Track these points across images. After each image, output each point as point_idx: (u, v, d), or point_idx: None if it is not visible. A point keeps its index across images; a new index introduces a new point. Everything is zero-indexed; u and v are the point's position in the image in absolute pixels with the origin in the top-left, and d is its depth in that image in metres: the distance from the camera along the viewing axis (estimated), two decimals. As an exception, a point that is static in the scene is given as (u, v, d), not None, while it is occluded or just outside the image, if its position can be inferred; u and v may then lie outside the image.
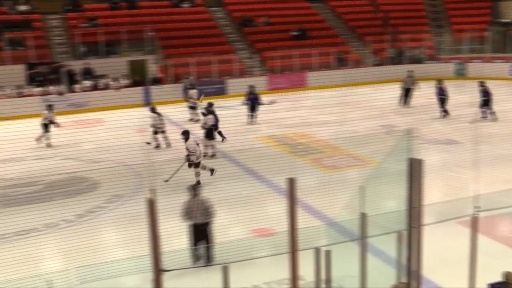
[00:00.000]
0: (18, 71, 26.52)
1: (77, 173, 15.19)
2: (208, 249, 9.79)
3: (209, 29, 32.95)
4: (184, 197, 10.11)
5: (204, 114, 18.05)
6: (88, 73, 27.75)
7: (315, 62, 31.09)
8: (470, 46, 32.50)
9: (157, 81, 28.19)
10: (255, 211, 11.27)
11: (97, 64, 28.01)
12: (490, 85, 21.34)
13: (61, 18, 31.84)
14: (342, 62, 31.97)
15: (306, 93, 28.20)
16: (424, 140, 17.00)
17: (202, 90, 28.49)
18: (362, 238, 7.11)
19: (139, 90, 27.51)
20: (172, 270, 6.56)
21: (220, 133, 18.53)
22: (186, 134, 14.43)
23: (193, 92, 23.51)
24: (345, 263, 7.66)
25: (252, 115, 21.51)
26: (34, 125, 19.68)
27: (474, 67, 30.93)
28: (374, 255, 7.77)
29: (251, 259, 8.97)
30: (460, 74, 31.46)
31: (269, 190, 13.13)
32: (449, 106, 21.47)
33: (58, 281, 7.47)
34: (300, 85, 30.32)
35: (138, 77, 28.34)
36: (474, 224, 7.35)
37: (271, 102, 21.49)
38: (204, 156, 16.70)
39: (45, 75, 27.38)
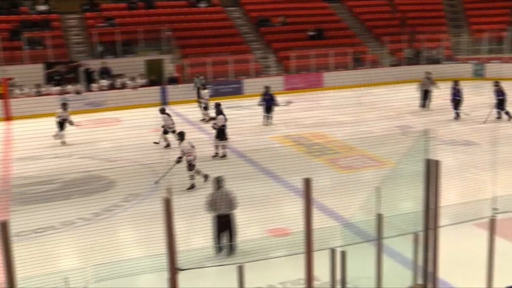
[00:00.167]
0: (36, 70, 26.76)
1: (94, 172, 15.29)
2: (231, 240, 10.10)
3: (225, 29, 33.01)
4: (198, 195, 10.15)
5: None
6: (105, 73, 27.94)
7: (332, 62, 31.02)
8: (489, 46, 32.24)
9: (173, 81, 28.29)
10: (271, 211, 11.28)
11: (114, 63, 28.18)
12: (507, 85, 21.14)
13: (79, 18, 32.10)
14: (358, 62, 31.86)
15: (323, 93, 28.15)
16: (441, 141, 16.88)
17: (218, 90, 28.69)
18: (378, 239, 7.08)
19: (155, 89, 27.63)
20: (188, 269, 6.57)
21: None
22: (181, 136, 14.30)
23: (205, 92, 23.52)
24: (360, 264, 7.64)
25: (267, 116, 21.45)
26: (52, 124, 19.89)
27: (493, 68, 30.64)
28: (390, 256, 7.73)
29: (266, 259, 8.97)
30: (478, 75, 31.20)
31: (285, 190, 13.12)
32: (467, 107, 21.29)
33: (75, 279, 7.52)
34: (317, 85, 30.25)
35: (154, 77, 28.46)
36: (492, 226, 7.29)
37: (287, 103, 21.43)
38: (215, 156, 16.75)
39: (63, 74, 27.61)
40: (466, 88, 22.07)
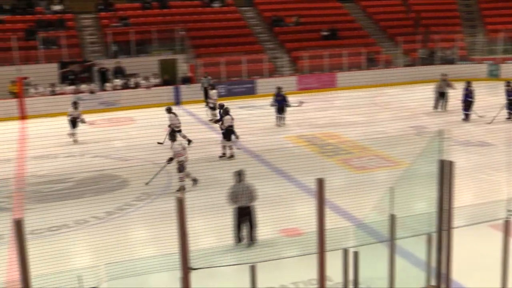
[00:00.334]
0: (51, 70, 26.93)
1: (107, 171, 15.36)
2: (252, 231, 10.41)
3: (239, 29, 33.04)
4: (210, 195, 10.17)
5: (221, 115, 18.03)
6: (119, 72, 28.06)
7: (345, 62, 30.93)
8: (504, 46, 31.98)
9: (187, 80, 28.35)
10: (284, 211, 11.28)
11: (128, 63, 28.29)
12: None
13: (93, 18, 32.28)
14: (372, 63, 31.74)
15: (336, 93, 28.09)
16: (456, 142, 16.78)
17: (231, 90, 28.73)
18: (391, 240, 7.05)
19: (169, 89, 27.71)
20: (200, 268, 6.58)
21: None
22: (172, 136, 14.26)
23: (213, 93, 23.50)
24: (373, 264, 7.61)
25: (280, 117, 21.38)
26: (66, 123, 20.02)
27: (508, 68, 30.41)
28: (403, 257, 7.69)
29: (279, 259, 8.97)
30: (493, 75, 30.96)
31: (298, 190, 13.11)
32: (482, 108, 21.12)
33: (88, 277, 7.57)
34: (330, 85, 30.18)
35: (168, 76, 28.54)
36: (507, 228, 7.23)
37: (299, 103, 21.34)
38: (222, 156, 16.76)
39: (77, 73, 27.76)
40: (481, 89, 21.91)
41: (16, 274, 6.07)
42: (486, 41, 33.26)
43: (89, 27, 31.78)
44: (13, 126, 22.56)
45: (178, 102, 27.14)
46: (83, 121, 20.51)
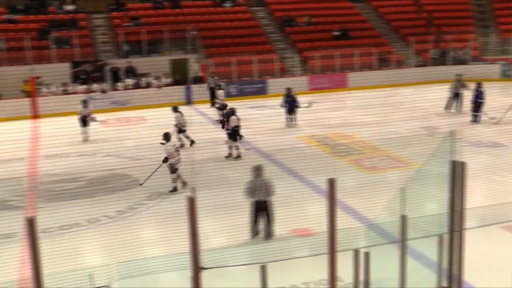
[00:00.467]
0: (63, 69, 27.07)
1: (118, 170, 15.43)
2: (269, 225, 10.66)
3: (250, 29, 33.05)
4: (222, 195, 10.19)
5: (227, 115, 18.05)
6: (130, 72, 28.16)
7: (357, 63, 30.86)
8: (517, 46, 31.78)
9: (198, 80, 28.39)
10: (295, 211, 11.27)
11: (140, 62, 28.37)
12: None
13: (105, 18, 32.41)
14: (384, 63, 31.63)
15: (347, 93, 28.02)
16: (468, 143, 16.69)
17: (242, 90, 28.75)
18: (402, 241, 7.03)
19: (180, 88, 27.77)
20: (211, 268, 6.60)
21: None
22: (166, 136, 14.24)
23: (220, 93, 23.49)
24: (384, 265, 7.59)
25: (290, 118, 21.28)
26: (77, 122, 20.13)
27: (521, 69, 30.23)
28: (414, 258, 7.67)
29: (290, 259, 8.97)
30: (506, 76, 30.76)
31: (309, 190, 13.09)
32: (494, 108, 20.97)
33: (99, 276, 7.60)
34: (341, 86, 30.12)
35: (179, 76, 28.60)
36: (519, 229, 7.19)
37: (309, 104, 21.26)
38: (228, 157, 16.77)
39: (89, 73, 27.89)
40: (493, 89, 21.75)
41: (28, 272, 6.11)
42: (499, 41, 33.04)
43: (101, 27, 31.91)
44: (26, 125, 22.71)
45: (189, 102, 27.19)
46: (93, 120, 20.64)
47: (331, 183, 6.27)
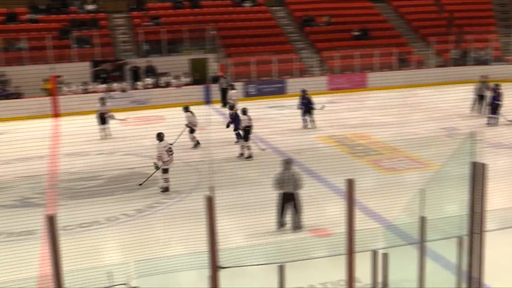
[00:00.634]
0: (84, 68, 27.32)
1: (137, 169, 15.51)
2: (297, 217, 10.96)
3: (270, 28, 33.03)
4: (241, 194, 10.20)
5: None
6: (150, 71, 28.31)
7: (377, 63, 30.70)
8: (540, 47, 31.39)
9: (217, 80, 28.46)
10: (313, 211, 11.25)
11: (159, 62, 28.52)
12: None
13: (126, 17, 32.63)
14: (404, 63, 31.43)
15: (367, 93, 27.90)
16: (488, 144, 16.52)
17: (261, 89, 28.76)
18: (421, 242, 6.98)
19: (199, 88, 27.85)
20: (229, 267, 6.61)
21: (238, 134, 18.70)
22: (158, 137, 14.28)
23: (233, 92, 23.48)
24: (402, 266, 7.55)
25: (305, 119, 21.04)
26: (96, 120, 20.30)
27: (544, 69, 29.83)
28: (433, 259, 7.61)
29: (307, 259, 8.95)
30: (528, 77, 30.36)
31: (328, 191, 13.05)
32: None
33: (118, 274, 7.65)
34: (361, 86, 30.00)
35: (198, 75, 28.70)
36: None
37: (322, 107, 21.03)
38: (240, 156, 16.78)
39: (109, 72, 28.11)
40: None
41: (48, 269, 6.18)
42: (521, 42, 32.67)
43: (121, 26, 32.13)
44: (47, 123, 22.94)
45: (208, 101, 27.26)
46: (111, 117, 20.82)
47: (350, 183, 6.25)
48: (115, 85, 27.35)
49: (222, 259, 6.41)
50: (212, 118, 19.35)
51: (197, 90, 27.50)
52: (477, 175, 6.52)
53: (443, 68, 31.10)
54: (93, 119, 20.54)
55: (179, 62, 28.36)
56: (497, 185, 11.94)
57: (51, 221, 5.74)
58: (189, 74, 28.76)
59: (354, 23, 33.58)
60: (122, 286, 7.23)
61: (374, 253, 7.10)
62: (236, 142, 18.17)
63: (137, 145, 18.62)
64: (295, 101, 22.66)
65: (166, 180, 13.90)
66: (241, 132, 17.20)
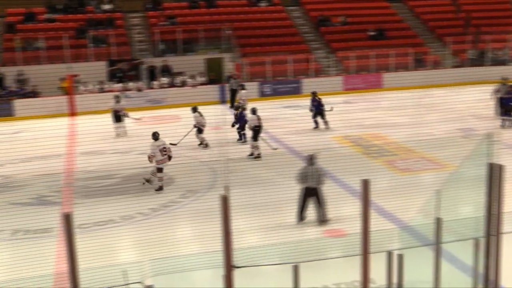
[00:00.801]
0: (100, 68, 27.49)
1: (153, 168, 15.54)
2: (322, 211, 11.20)
3: (285, 28, 33.00)
4: (255, 194, 10.20)
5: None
6: (166, 70, 28.41)
7: (392, 63, 30.55)
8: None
9: (230, 79, 28.47)
10: (328, 212, 11.24)
11: (175, 61, 28.62)
12: None
13: (142, 17, 32.79)
14: (420, 63, 31.25)
15: (382, 94, 27.77)
16: (506, 145, 16.38)
17: (276, 89, 28.76)
18: (437, 244, 6.94)
19: (215, 87, 27.90)
20: (244, 267, 6.62)
21: (244, 134, 18.70)
22: (153, 136, 14.33)
23: (243, 93, 23.48)
24: (418, 268, 7.51)
25: (316, 121, 20.90)
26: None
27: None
28: (449, 261, 7.57)
29: (322, 259, 8.94)
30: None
31: (342, 191, 13.02)
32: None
33: (133, 272, 7.68)
34: (376, 86, 29.87)
35: (214, 75, 28.75)
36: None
37: (331, 108, 20.85)
38: (250, 156, 16.79)
39: (125, 71, 28.26)
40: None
41: (64, 267, 6.22)
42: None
43: (137, 26, 32.30)
44: (63, 122, 23.09)
45: (223, 101, 27.29)
46: (126, 115, 20.95)
47: (365, 184, 6.24)
48: (131, 84, 27.49)
49: (237, 259, 6.42)
50: (227, 117, 19.36)
51: (213, 90, 27.55)
52: (494, 177, 6.47)
53: (459, 69, 30.82)
54: (109, 118, 20.66)
55: (194, 62, 28.43)
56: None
57: (67, 219, 5.79)
58: (204, 73, 28.83)
59: (370, 23, 33.45)
60: (137, 284, 7.26)
61: (389, 254, 7.08)
62: (239, 140, 18.29)
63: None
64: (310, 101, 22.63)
65: (160, 179, 14.01)
66: (246, 132, 17.25)
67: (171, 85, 27.91)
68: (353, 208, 7.61)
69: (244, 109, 21.32)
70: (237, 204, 7.29)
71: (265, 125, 17.90)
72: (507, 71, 27.38)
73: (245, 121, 18.47)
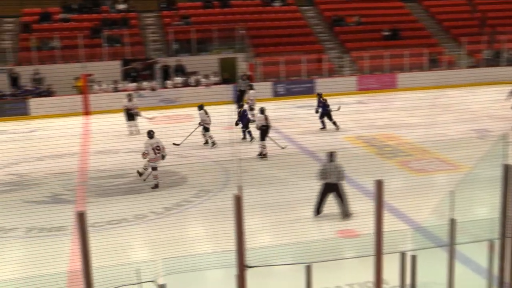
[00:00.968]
0: (114, 67, 27.62)
1: (166, 167, 15.60)
2: (344, 205, 11.47)
3: (299, 28, 32.96)
4: (267, 194, 10.20)
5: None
6: (180, 70, 28.48)
7: (407, 63, 30.39)
8: None
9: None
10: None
11: (189, 61, 28.67)
12: None
13: (156, 16, 32.90)
14: (435, 63, 31.07)
15: (396, 94, 27.64)
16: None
17: (290, 89, 28.73)
18: (451, 245, 6.89)
19: (228, 87, 27.90)
20: (256, 266, 6.61)
21: (249, 132, 18.86)
22: (149, 134, 14.48)
23: (251, 93, 23.43)
24: (431, 269, 7.47)
25: (323, 121, 20.76)
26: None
27: None
28: (463, 263, 7.52)
29: (335, 260, 8.91)
30: None
31: (356, 191, 12.98)
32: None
33: (146, 271, 7.71)
34: (390, 86, 29.74)
35: (228, 75, 28.77)
36: None
37: (338, 108, 20.72)
38: (258, 156, 16.77)
39: (139, 71, 28.37)
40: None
41: (78, 265, 6.26)
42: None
43: (151, 26, 32.41)
44: (77, 121, 23.26)
45: (237, 101, 27.28)
46: (137, 114, 21.04)
47: (379, 184, 6.21)
48: (145, 83, 27.59)
49: (250, 258, 6.42)
50: (237, 118, 19.35)
51: (226, 90, 27.55)
52: (510, 178, 6.41)
53: (475, 69, 30.61)
54: (122, 117, 20.76)
55: (208, 61, 28.47)
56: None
57: (81, 217, 5.82)
58: (218, 73, 28.86)
59: (384, 23, 33.31)
60: (150, 283, 7.28)
61: (403, 255, 7.04)
62: (243, 139, 18.31)
63: (165, 144, 18.74)
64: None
65: (155, 177, 14.13)
66: (251, 130, 17.26)
67: (185, 84, 27.97)
68: (367, 208, 7.57)
69: (252, 109, 21.36)
70: (250, 204, 7.29)
71: (278, 125, 17.90)
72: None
73: (248, 120, 18.57)
